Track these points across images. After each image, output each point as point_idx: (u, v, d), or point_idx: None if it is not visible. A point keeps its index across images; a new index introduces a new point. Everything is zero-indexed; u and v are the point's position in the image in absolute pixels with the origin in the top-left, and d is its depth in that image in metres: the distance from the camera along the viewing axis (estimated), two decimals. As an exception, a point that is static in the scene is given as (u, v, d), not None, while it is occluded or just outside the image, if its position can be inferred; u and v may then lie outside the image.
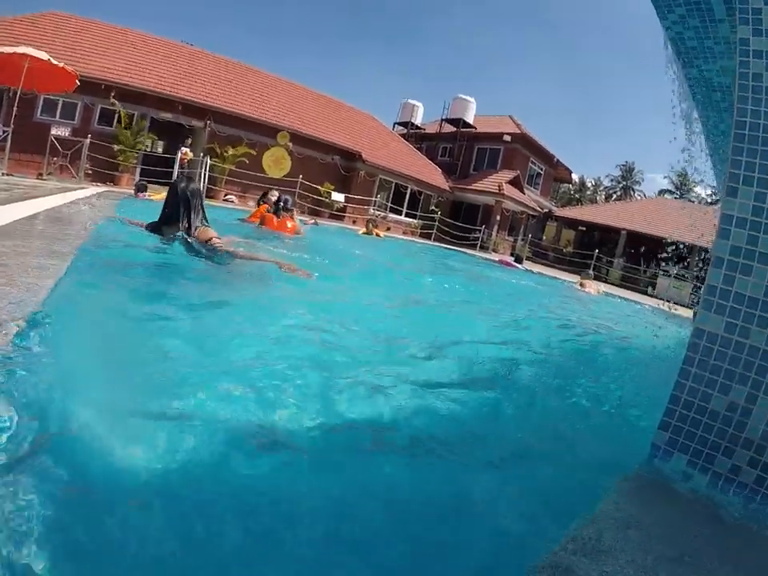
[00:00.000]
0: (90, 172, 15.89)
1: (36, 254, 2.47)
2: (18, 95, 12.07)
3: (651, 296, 20.71)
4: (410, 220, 26.62)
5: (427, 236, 24.92)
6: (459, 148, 32.86)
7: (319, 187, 21.80)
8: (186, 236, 3.80)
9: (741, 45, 2.00)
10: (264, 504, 1.32)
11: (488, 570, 1.30)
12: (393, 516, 1.40)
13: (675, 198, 48.66)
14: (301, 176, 19.84)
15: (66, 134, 16.20)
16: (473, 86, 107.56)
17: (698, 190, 44.94)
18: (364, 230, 15.04)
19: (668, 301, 16.76)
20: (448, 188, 29.16)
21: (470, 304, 6.22)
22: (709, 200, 26.90)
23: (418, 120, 35.71)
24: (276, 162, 20.93)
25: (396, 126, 36.21)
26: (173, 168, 16.39)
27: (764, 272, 1.65)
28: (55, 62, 11.41)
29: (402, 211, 26.55)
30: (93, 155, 15.66)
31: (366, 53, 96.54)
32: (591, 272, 14.67)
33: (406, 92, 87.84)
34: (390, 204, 25.91)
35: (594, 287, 12.88)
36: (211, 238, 3.79)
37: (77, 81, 12.65)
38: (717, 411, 1.62)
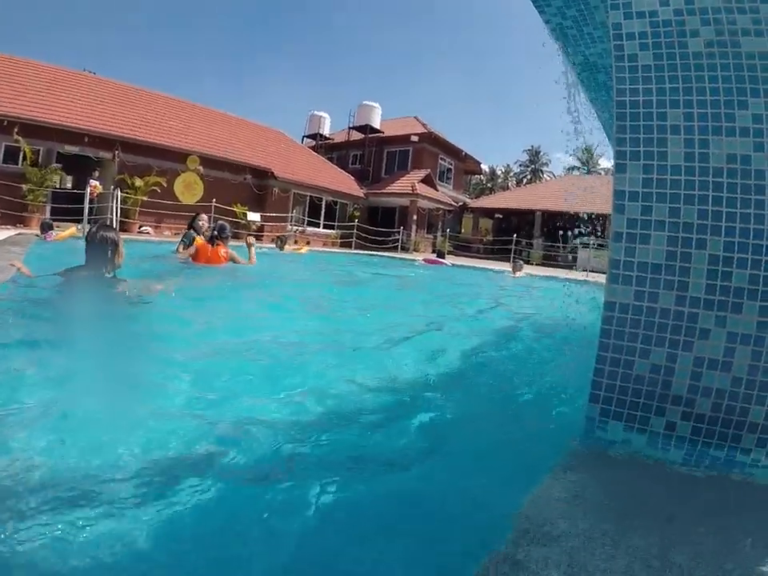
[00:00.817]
0: None
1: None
2: None
3: (578, 269, 21.61)
4: (329, 231, 26.55)
5: (347, 245, 24.95)
6: (369, 154, 33.14)
7: (234, 209, 21.43)
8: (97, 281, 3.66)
9: (614, 29, 2.13)
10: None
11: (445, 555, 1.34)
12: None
13: (583, 172, 50.52)
14: (214, 199, 19.45)
15: None
16: (377, 91, 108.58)
17: (603, 162, 46.75)
18: (274, 246, 14.69)
19: (585, 270, 17.52)
20: (362, 195, 29.29)
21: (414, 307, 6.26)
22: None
23: (326, 131, 35.80)
24: (188, 188, 20.52)
25: (305, 138, 36.15)
26: (83, 203, 15.71)
27: (661, 238, 1.77)
28: None
29: (319, 223, 26.50)
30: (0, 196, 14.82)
31: (267, 69, 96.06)
32: (520, 261, 15.48)
33: (311, 104, 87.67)
34: (306, 218, 25.75)
35: (523, 272, 14.38)
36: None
37: None
38: (641, 375, 1.72)
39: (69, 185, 19.21)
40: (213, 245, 7.25)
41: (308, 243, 22.17)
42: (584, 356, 2.40)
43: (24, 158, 16.42)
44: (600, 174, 42.71)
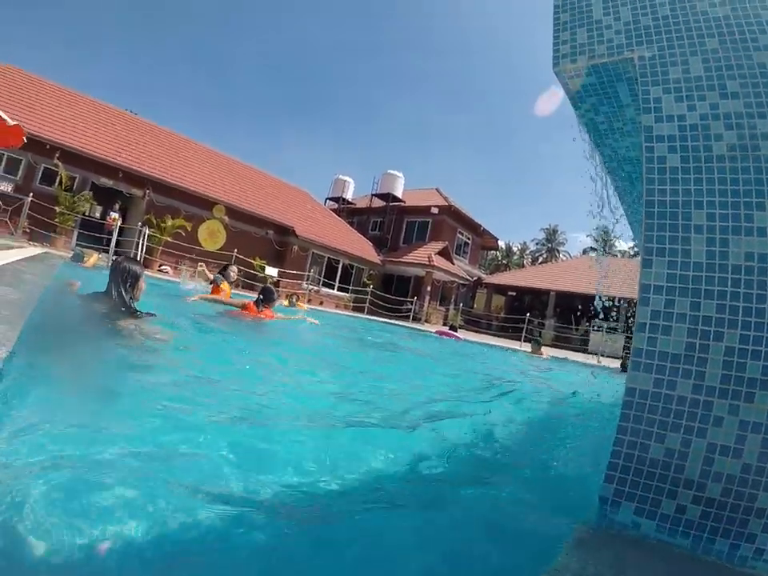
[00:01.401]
0: (27, 230, 15.49)
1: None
2: None
3: (589, 353, 21.54)
4: (343, 294, 26.80)
5: (360, 309, 25.02)
6: (389, 222, 33.76)
7: (252, 261, 21.80)
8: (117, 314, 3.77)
9: (646, 132, 2.29)
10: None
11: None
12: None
13: (600, 254, 50.39)
14: (236, 249, 19.82)
15: (9, 190, 16.05)
16: (401, 160, 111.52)
17: (620, 244, 46.86)
18: (286, 302, 14.60)
19: (600, 354, 17.42)
20: (379, 261, 29.70)
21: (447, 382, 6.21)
22: (631, 252, 28.13)
23: (349, 195, 36.63)
24: (211, 235, 21.02)
25: (328, 201, 36.98)
26: (110, 233, 16.22)
27: (681, 330, 1.86)
28: (6, 119, 11.26)
29: (334, 285, 26.76)
30: (32, 214, 15.38)
31: (297, 130, 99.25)
32: (539, 339, 15.43)
33: (336, 167, 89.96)
34: (322, 278, 26.07)
35: (545, 352, 14.20)
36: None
37: (24, 139, 12.47)
38: (656, 459, 1.77)
39: (98, 214, 19.78)
40: (259, 308, 7.36)
41: (321, 303, 22.31)
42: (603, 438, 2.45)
43: (60, 183, 17.08)
44: (616, 255, 42.91)
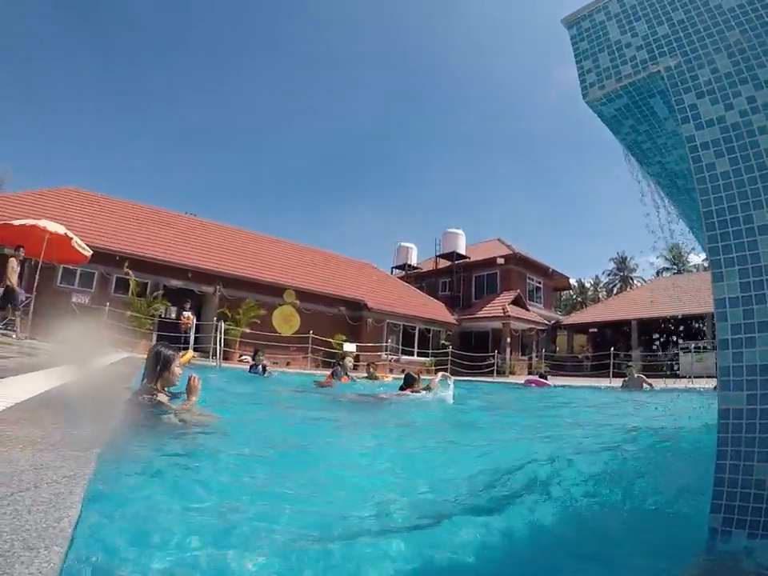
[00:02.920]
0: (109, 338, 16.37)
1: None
2: (39, 265, 12.81)
3: (680, 376, 20.35)
4: (423, 359, 26.56)
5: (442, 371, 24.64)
6: (457, 280, 33.71)
7: (330, 340, 22.10)
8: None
9: (689, 142, 2.21)
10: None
11: None
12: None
13: (674, 273, 48.62)
14: (312, 331, 20.18)
15: (86, 302, 17.22)
16: (458, 216, 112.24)
17: (693, 258, 44.69)
18: (365, 375, 14.16)
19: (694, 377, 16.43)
20: (454, 320, 29.43)
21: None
22: (705, 265, 26.83)
23: (413, 260, 36.98)
24: (286, 320, 21.61)
25: (394, 269, 37.42)
26: (189, 333, 17.06)
27: (766, 339, 1.73)
28: (76, 242, 12.39)
29: (413, 351, 26.65)
30: (111, 321, 16.29)
31: (353, 204, 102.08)
32: (633, 370, 14.75)
33: (397, 235, 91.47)
34: (400, 346, 26.03)
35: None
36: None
37: (89, 258, 13.56)
38: (762, 479, 1.62)
39: (173, 315, 20.80)
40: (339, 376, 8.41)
41: (391, 371, 22.17)
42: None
43: (132, 290, 18.26)
44: (692, 271, 40.90)
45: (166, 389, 4.02)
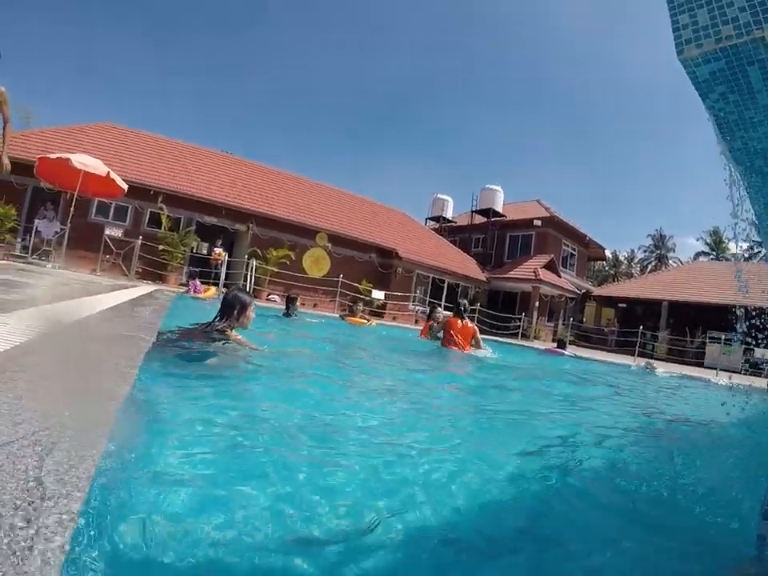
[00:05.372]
0: (140, 271, 16.76)
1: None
2: (74, 198, 13.00)
3: (706, 367, 20.16)
4: (449, 313, 26.45)
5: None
6: (491, 238, 33.33)
7: (358, 285, 22.16)
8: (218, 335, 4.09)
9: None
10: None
11: None
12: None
13: (711, 259, 47.67)
14: (341, 275, 20.23)
15: (119, 235, 17.69)
16: (499, 173, 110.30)
17: (733, 246, 43.56)
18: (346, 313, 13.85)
19: (720, 370, 16.15)
20: (484, 278, 29.25)
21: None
22: (746, 255, 26.17)
23: (449, 213, 36.57)
24: (316, 262, 21.72)
25: (428, 221, 37.12)
26: (219, 269, 17.26)
27: None
28: (112, 176, 12.43)
29: (440, 305, 26.59)
30: (143, 255, 16.75)
31: (393, 151, 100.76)
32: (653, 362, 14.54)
33: (434, 186, 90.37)
34: (428, 298, 25.98)
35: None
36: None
37: (125, 192, 13.68)
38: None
39: (204, 251, 21.07)
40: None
41: (416, 322, 22.16)
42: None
43: (164, 225, 18.54)
44: (729, 259, 39.90)
45: (235, 330, 4.21)
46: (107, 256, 16.57)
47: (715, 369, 17.56)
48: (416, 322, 22.32)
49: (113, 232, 17.68)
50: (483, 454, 2.66)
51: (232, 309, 4.16)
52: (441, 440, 2.84)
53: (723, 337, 20.82)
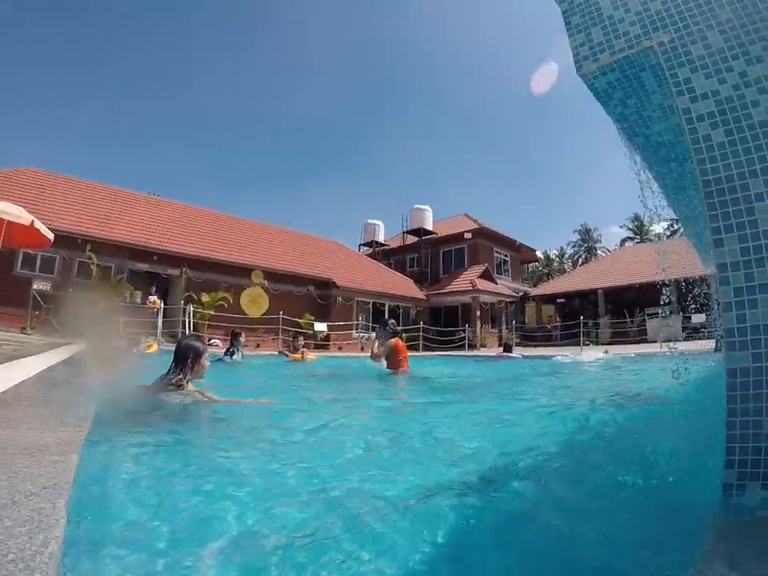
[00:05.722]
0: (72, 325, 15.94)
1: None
2: None
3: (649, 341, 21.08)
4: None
5: (414, 347, 24.64)
6: (425, 256, 33.91)
7: (299, 320, 22.03)
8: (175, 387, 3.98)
9: (684, 114, 2.29)
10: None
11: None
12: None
13: (637, 242, 49.73)
14: (281, 311, 20.09)
15: (47, 288, 16.42)
16: (426, 194, 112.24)
17: (654, 227, 45.56)
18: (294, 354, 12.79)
19: (665, 341, 16.94)
20: (424, 296, 29.67)
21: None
22: (668, 233, 27.65)
23: (380, 237, 36.96)
24: (254, 301, 21.48)
25: (361, 247, 37.37)
26: (155, 318, 16.72)
27: (767, 299, 1.84)
28: (37, 225, 11.86)
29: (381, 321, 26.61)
30: (74, 309, 15.76)
31: (322, 183, 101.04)
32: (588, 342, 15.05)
33: (365, 214, 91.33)
34: (371, 324, 26.05)
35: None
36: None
37: (51, 241, 13.06)
38: (773, 431, 1.73)
39: (138, 300, 20.48)
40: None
41: (362, 349, 22.20)
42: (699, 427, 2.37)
43: (94, 275, 17.48)
44: (653, 240, 41.94)
45: (190, 382, 4.10)
46: (36, 312, 15.80)
47: (657, 342, 18.42)
48: (361, 349, 22.33)
49: (41, 285, 16.74)
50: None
51: (185, 358, 4.03)
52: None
53: (660, 312, 21.87)
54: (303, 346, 13.18)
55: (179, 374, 3.98)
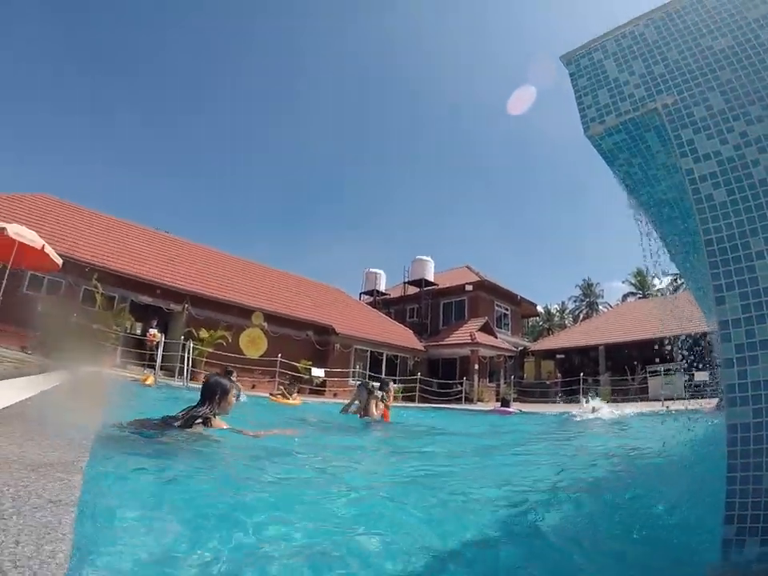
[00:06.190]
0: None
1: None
2: (7, 270, 12.28)
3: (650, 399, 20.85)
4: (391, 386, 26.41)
5: (410, 398, 24.39)
6: (425, 307, 33.93)
7: (297, 364, 21.95)
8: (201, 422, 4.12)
9: (687, 175, 2.36)
10: None
11: None
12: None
13: (639, 297, 49.48)
14: (279, 354, 20.04)
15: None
16: (427, 243, 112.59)
17: (657, 282, 45.46)
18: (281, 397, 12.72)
19: (664, 400, 16.73)
20: (422, 347, 29.53)
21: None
22: (671, 288, 27.66)
23: (381, 287, 37.10)
24: (252, 343, 21.39)
25: (362, 295, 37.45)
26: (153, 350, 16.66)
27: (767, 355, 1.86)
28: (47, 250, 12.04)
29: (380, 378, 26.41)
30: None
31: (320, 232, 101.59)
32: (589, 397, 14.83)
33: (367, 260, 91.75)
34: (368, 372, 25.86)
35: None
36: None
37: (59, 267, 13.22)
38: (773, 488, 1.73)
39: (138, 331, 20.47)
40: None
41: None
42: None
43: (99, 304, 17.59)
44: (656, 295, 41.90)
45: (218, 416, 4.28)
46: (38, 332, 15.76)
47: (659, 400, 18.19)
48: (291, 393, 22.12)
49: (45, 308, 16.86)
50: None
51: (213, 394, 4.21)
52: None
53: (662, 369, 21.70)
54: (297, 392, 13.25)
55: (207, 408, 4.15)
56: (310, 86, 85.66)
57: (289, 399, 12.06)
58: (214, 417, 4.18)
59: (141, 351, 17.01)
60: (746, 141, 2.28)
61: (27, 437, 2.31)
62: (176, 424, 3.98)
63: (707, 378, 17.39)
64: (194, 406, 4.17)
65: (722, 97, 2.44)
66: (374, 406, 8.16)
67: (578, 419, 12.24)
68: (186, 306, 20.34)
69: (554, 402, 24.10)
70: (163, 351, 16.67)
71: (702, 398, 13.67)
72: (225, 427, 4.27)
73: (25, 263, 13.10)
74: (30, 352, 13.23)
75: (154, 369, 15.00)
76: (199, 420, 4.06)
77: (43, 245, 12.23)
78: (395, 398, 15.16)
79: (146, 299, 19.68)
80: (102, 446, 2.69)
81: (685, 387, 19.40)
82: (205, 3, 66.43)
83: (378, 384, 8.97)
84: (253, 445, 4.31)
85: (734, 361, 1.93)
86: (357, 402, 8.75)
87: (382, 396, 8.78)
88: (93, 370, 11.62)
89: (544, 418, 13.60)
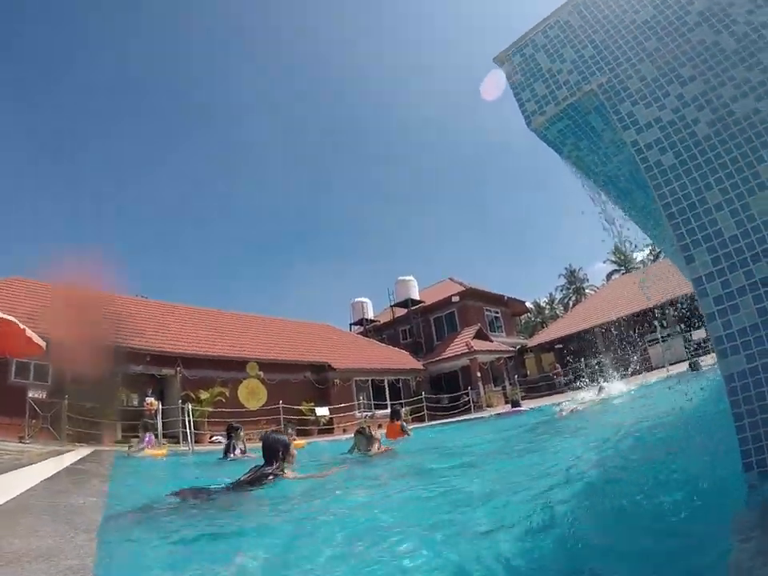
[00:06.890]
0: (70, 432, 15.49)
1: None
2: None
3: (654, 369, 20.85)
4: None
5: (420, 419, 24.14)
6: (417, 326, 33.94)
7: (300, 407, 21.76)
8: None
9: (633, 146, 2.42)
10: None
11: None
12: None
13: (623, 274, 49.59)
14: (281, 401, 19.86)
15: (43, 396, 16.17)
16: (408, 262, 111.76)
17: (638, 255, 45.64)
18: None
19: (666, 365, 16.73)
20: (421, 366, 29.40)
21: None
22: (652, 257, 27.84)
23: (369, 314, 37.09)
24: (252, 394, 21.16)
25: (352, 326, 37.35)
26: (153, 419, 16.42)
27: (747, 301, 1.89)
28: (29, 333, 11.77)
29: (386, 405, 26.25)
30: (71, 415, 15.50)
31: (304, 267, 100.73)
32: (602, 383, 14.79)
33: (351, 289, 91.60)
34: (372, 402, 25.72)
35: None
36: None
37: (43, 349, 12.93)
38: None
39: (135, 402, 20.12)
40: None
41: (379, 426, 21.76)
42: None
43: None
44: (639, 267, 42.16)
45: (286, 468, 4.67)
46: (33, 421, 15.45)
47: (664, 367, 18.22)
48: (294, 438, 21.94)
49: (37, 394, 16.47)
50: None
51: (276, 451, 4.61)
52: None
53: (659, 336, 21.73)
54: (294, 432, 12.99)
55: (275, 465, 4.53)
56: (253, 135, 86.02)
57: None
58: (283, 471, 4.53)
59: (141, 422, 16.68)
60: (683, 102, 2.35)
61: (34, 528, 2.28)
62: (246, 484, 4.36)
63: (705, 335, 17.57)
64: (261, 466, 4.54)
65: (653, 65, 2.52)
66: (375, 447, 8.03)
67: (581, 408, 12.16)
68: (179, 368, 20.06)
69: (563, 393, 24.00)
70: (163, 418, 16.50)
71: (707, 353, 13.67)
72: (300, 476, 4.71)
73: (9, 350, 12.70)
74: (27, 441, 12.99)
75: (156, 437, 14.73)
76: (270, 477, 4.40)
77: (24, 329, 11.97)
78: (405, 421, 15.05)
79: (136, 368, 19.26)
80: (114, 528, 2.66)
81: (686, 348, 19.48)
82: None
83: (390, 411, 9.10)
84: (326, 483, 4.79)
85: (716, 314, 1.96)
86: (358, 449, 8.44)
87: (402, 425, 9.49)
88: (98, 450, 11.46)
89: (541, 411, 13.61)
